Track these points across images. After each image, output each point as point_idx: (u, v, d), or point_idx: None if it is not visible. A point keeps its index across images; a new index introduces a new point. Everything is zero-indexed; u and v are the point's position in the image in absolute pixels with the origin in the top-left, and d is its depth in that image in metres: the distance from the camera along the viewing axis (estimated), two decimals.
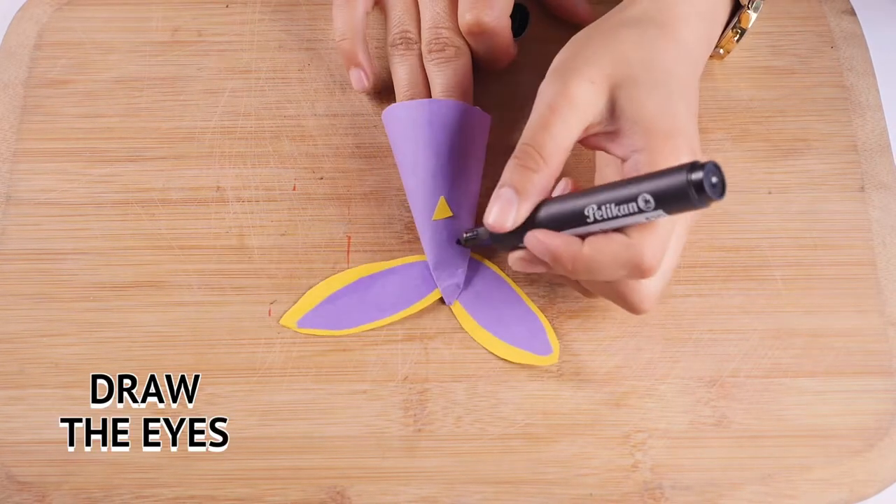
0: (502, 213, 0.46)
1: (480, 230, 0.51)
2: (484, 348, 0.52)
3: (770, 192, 0.55)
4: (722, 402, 0.51)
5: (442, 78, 0.54)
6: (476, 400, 0.51)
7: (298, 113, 0.58)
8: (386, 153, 0.57)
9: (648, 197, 0.42)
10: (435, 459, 0.50)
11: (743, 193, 0.55)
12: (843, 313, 0.53)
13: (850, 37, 0.59)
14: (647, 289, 0.47)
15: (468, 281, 0.53)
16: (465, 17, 0.54)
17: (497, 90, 0.57)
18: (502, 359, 0.52)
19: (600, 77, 0.47)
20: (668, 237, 0.45)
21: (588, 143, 0.48)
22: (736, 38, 0.55)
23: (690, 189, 0.40)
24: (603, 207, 0.44)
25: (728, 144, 0.56)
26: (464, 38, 0.55)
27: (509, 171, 0.47)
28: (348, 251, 0.54)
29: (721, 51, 0.56)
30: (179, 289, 0.53)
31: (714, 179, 0.41)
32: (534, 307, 0.53)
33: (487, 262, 0.54)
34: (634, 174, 0.45)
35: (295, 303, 0.53)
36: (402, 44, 0.55)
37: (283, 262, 0.54)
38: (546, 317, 0.53)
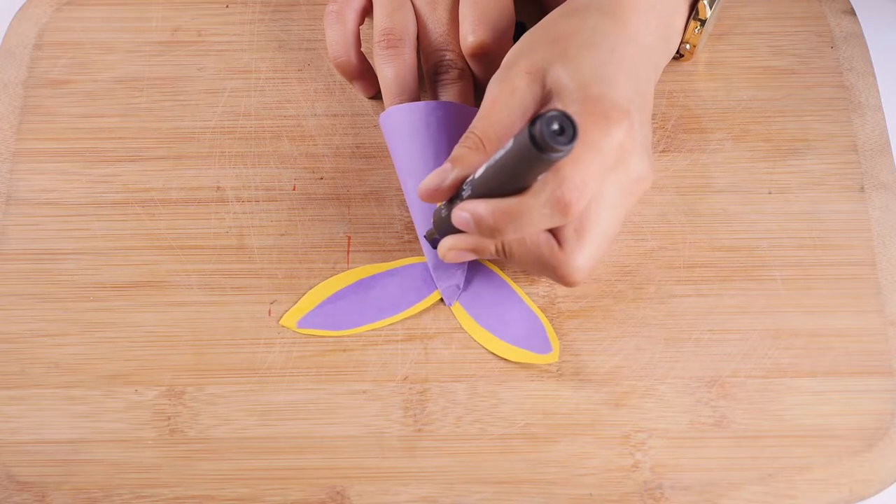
0: (433, 178, 0.47)
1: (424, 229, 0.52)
2: (484, 348, 0.52)
3: (770, 192, 0.55)
4: (722, 402, 0.51)
5: (446, 98, 0.55)
6: (476, 400, 0.51)
7: (298, 113, 0.58)
8: (386, 153, 0.57)
9: (510, 143, 0.42)
10: (435, 459, 0.50)
11: (743, 193, 0.55)
12: (843, 313, 0.53)
13: (850, 37, 0.59)
14: (577, 261, 0.47)
15: (468, 282, 0.53)
16: (468, 39, 0.54)
17: None
18: (503, 358, 0.52)
19: (538, 65, 0.47)
20: (589, 176, 0.45)
21: None
22: (697, 30, 0.55)
23: (531, 137, 0.40)
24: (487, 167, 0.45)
25: (728, 144, 0.56)
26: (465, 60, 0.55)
27: (451, 154, 0.48)
28: (348, 251, 0.54)
29: (688, 45, 0.56)
30: (179, 289, 0.53)
31: (555, 126, 0.40)
32: (534, 307, 0.53)
33: (487, 264, 0.54)
34: None
35: (295, 303, 0.53)
36: (384, 41, 0.55)
37: (283, 262, 0.54)
38: (546, 317, 0.53)
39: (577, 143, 0.44)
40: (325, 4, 0.56)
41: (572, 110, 0.45)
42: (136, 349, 0.52)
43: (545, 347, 0.52)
